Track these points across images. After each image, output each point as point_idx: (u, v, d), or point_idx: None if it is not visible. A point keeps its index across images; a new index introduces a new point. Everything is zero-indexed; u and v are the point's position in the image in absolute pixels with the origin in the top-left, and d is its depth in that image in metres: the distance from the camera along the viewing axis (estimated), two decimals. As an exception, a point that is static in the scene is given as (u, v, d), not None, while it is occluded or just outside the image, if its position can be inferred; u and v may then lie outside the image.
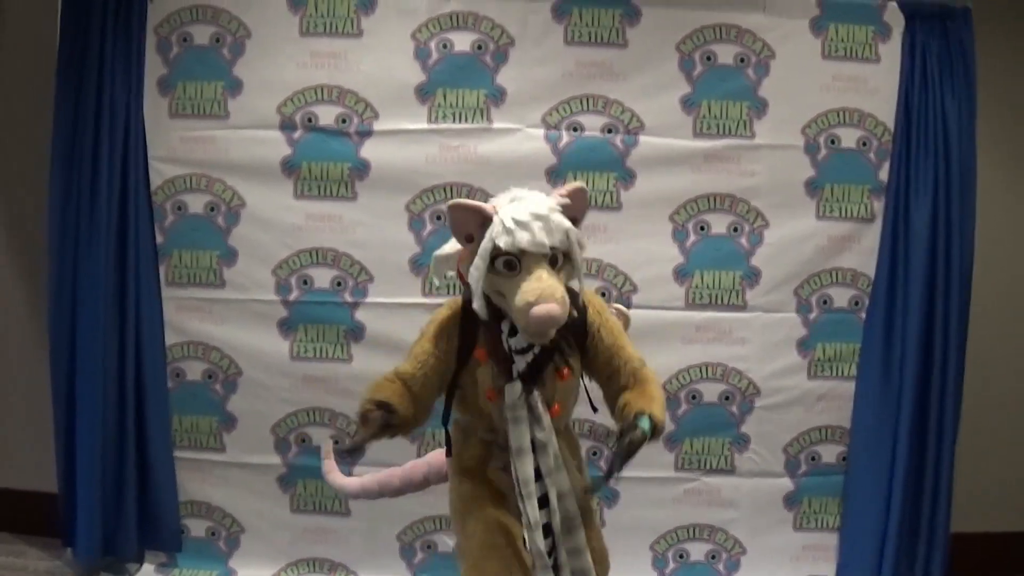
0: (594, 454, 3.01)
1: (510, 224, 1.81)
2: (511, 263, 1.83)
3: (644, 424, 1.87)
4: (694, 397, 3.08)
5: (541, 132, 3.01)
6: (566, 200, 1.90)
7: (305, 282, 3.03)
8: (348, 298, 3.03)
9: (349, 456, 2.08)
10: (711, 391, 3.08)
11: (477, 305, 1.88)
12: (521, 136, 3.01)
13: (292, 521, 3.08)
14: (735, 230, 3.06)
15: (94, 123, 2.93)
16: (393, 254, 3.02)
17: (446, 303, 2.08)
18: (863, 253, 3.07)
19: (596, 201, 3.02)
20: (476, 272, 1.85)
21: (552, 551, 1.97)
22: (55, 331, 2.97)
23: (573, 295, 1.94)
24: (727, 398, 3.09)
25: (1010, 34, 3.27)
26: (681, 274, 3.06)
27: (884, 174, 3.05)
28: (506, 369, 1.95)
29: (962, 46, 3.00)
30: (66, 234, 2.94)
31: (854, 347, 3.09)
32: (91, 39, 2.92)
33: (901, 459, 3.00)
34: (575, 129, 3.02)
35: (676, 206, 3.05)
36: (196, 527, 3.09)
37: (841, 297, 3.08)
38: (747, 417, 3.10)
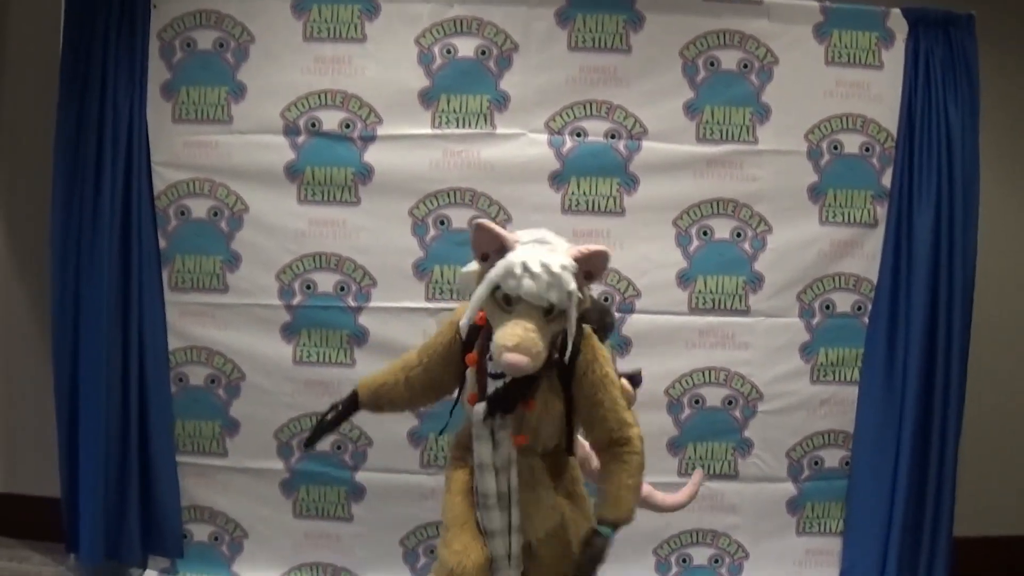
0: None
1: (518, 269, 1.86)
2: (508, 300, 1.90)
3: (605, 533, 2.01)
4: (697, 402, 3.09)
5: (544, 137, 3.02)
6: (587, 256, 1.93)
7: (308, 287, 3.03)
8: (351, 303, 3.03)
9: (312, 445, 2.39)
10: (714, 396, 3.09)
11: (464, 322, 1.99)
12: (524, 141, 3.01)
13: (295, 526, 3.08)
14: (738, 235, 3.07)
15: (97, 128, 2.93)
16: (396, 259, 3.02)
17: (459, 307, 2.16)
18: (866, 258, 3.07)
19: (599, 206, 3.03)
20: (476, 298, 1.93)
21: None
22: (58, 336, 2.97)
23: (578, 332, 2.00)
24: (730, 403, 3.09)
25: (1013, 41, 3.28)
26: (684, 279, 3.06)
27: (887, 180, 3.06)
28: (483, 385, 2.04)
29: (965, 53, 3.01)
30: (69, 239, 2.94)
31: (857, 352, 3.09)
32: (94, 44, 2.92)
33: (904, 463, 3.00)
34: (578, 134, 3.02)
35: (679, 211, 3.05)
36: (199, 532, 3.09)
37: (844, 302, 3.09)
38: (750, 422, 3.10)
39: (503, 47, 3.00)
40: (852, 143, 3.06)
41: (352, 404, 2.30)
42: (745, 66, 3.04)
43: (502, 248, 1.92)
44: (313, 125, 2.99)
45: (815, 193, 3.06)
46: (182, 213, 3.03)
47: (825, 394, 3.10)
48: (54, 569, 3.11)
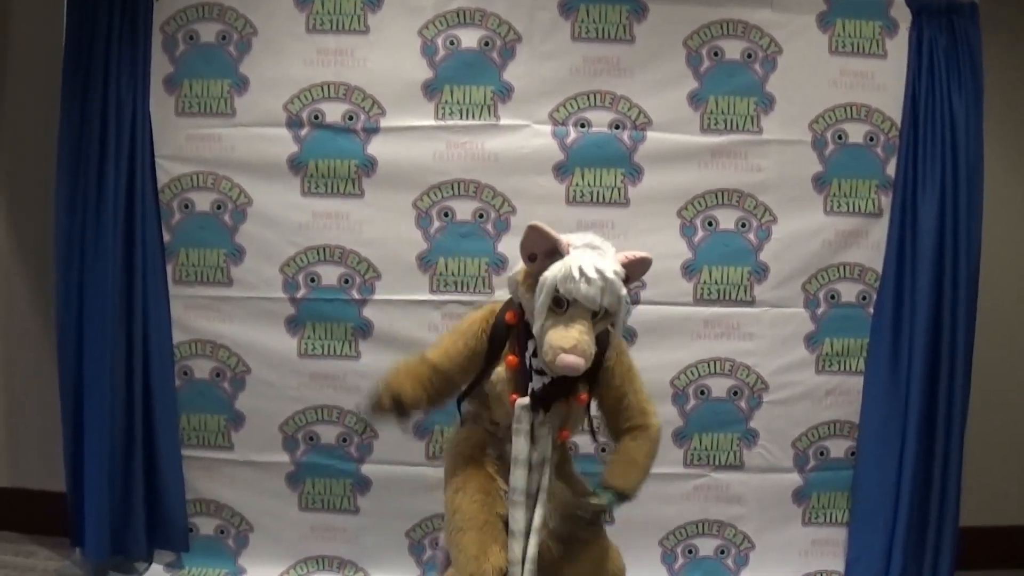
0: (603, 451, 3.01)
1: (576, 273, 1.95)
2: (560, 302, 1.99)
3: (605, 498, 2.14)
4: (702, 392, 3.08)
5: (548, 128, 3.01)
6: (633, 262, 2.07)
7: (312, 280, 3.03)
8: (356, 295, 3.03)
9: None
10: (719, 386, 3.08)
11: (537, 328, 2.03)
12: (528, 132, 3.01)
13: (301, 519, 3.08)
14: (743, 225, 3.06)
15: (100, 122, 2.92)
16: (400, 251, 3.01)
17: (486, 306, 2.26)
18: (871, 248, 3.07)
19: (603, 197, 3.02)
20: (540, 304, 2.00)
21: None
22: (63, 330, 2.97)
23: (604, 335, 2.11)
24: (735, 393, 3.09)
25: (1017, 29, 3.27)
26: (689, 270, 3.06)
27: (891, 169, 3.05)
28: (524, 383, 2.08)
29: (969, 41, 3.00)
30: (73, 233, 2.94)
31: (862, 342, 3.09)
32: (97, 37, 2.91)
33: (909, 453, 3.00)
34: (582, 125, 3.02)
35: (684, 202, 3.05)
36: (205, 525, 3.09)
37: (849, 292, 3.08)
38: (755, 412, 3.09)
39: (506, 38, 2.99)
40: (856, 132, 3.05)
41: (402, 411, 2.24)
42: (749, 56, 3.03)
43: (553, 250, 1.99)
44: (316, 117, 2.99)
45: (820, 183, 3.06)
46: (186, 207, 3.02)
47: (830, 384, 3.09)
48: (59, 563, 3.11)
